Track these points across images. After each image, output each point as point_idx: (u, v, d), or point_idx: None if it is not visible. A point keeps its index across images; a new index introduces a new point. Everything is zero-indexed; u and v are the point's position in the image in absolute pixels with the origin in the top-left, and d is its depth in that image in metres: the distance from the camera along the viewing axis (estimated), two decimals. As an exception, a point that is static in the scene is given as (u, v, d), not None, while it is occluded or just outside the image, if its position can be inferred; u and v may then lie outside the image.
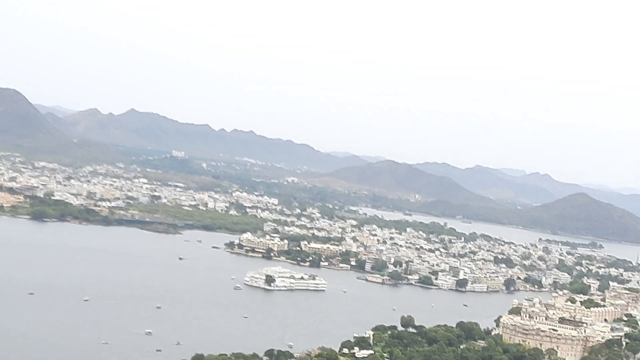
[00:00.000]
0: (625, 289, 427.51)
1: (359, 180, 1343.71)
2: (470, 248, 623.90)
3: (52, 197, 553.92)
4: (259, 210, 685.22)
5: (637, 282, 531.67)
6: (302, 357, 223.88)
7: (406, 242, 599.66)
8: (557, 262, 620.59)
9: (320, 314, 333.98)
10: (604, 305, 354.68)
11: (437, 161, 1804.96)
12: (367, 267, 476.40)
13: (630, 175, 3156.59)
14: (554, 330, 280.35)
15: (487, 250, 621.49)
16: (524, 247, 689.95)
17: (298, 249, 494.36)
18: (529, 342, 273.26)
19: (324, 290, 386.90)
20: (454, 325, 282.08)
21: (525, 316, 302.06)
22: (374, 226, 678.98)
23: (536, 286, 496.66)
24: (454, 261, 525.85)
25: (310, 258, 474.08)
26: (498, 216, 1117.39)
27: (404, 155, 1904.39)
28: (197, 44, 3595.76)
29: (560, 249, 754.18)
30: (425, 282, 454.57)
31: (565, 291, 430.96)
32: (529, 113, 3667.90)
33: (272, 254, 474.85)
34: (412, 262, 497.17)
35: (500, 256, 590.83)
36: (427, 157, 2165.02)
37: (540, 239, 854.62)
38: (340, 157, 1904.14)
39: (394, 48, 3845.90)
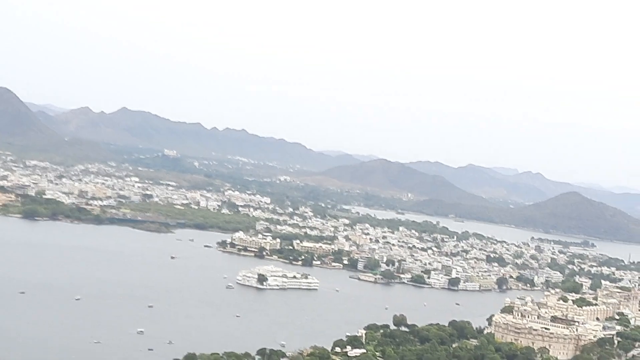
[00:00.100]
0: (617, 287, 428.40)
1: (351, 179, 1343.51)
2: (462, 247, 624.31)
3: (44, 196, 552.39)
4: (251, 209, 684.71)
5: (629, 281, 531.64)
6: (295, 356, 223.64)
7: (399, 241, 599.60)
8: (549, 260, 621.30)
9: (313, 313, 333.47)
10: (596, 304, 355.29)
11: (430, 160, 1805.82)
12: (360, 266, 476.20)
13: (622, 174, 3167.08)
14: (546, 329, 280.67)
15: (480, 249, 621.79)
16: (516, 245, 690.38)
17: (290, 247, 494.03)
18: (521, 341, 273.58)
19: (316, 289, 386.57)
20: (446, 324, 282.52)
21: (518, 315, 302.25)
22: (367, 225, 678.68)
23: (528, 285, 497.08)
24: (447, 260, 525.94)
25: (303, 257, 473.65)
26: (490, 215, 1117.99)
27: (396, 154, 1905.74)
28: (197, 44, 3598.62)
29: (553, 248, 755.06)
30: (418, 280, 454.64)
31: (558, 290, 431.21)
32: (525, 113, 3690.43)
33: (264, 253, 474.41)
34: (404, 261, 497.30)
35: (492, 255, 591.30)
36: (419, 156, 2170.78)
37: (533, 237, 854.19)
38: (333, 155, 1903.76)
39: (394, 48, 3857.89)
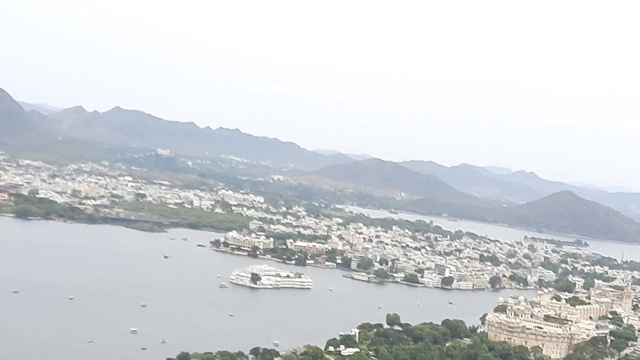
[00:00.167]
0: (610, 286, 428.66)
1: (345, 178, 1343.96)
2: (455, 246, 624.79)
3: (37, 195, 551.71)
4: (245, 209, 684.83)
5: (622, 280, 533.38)
6: (288, 355, 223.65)
7: (392, 240, 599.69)
8: (542, 260, 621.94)
9: (306, 312, 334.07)
10: (589, 303, 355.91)
11: (423, 159, 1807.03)
12: (353, 265, 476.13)
13: (615, 173, 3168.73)
14: (539, 327, 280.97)
15: (473, 248, 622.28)
16: (509, 245, 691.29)
17: (284, 247, 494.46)
18: (514, 340, 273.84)
19: (309, 288, 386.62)
20: (440, 323, 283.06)
21: (511, 314, 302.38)
22: (360, 224, 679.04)
23: (521, 284, 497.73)
24: (440, 259, 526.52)
25: (296, 256, 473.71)
26: (484, 214, 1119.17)
27: (390, 153, 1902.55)
28: (197, 43, 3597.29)
29: (546, 247, 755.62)
30: (411, 280, 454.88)
31: (551, 289, 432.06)
32: (523, 112, 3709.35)
33: (257, 252, 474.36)
34: (397, 260, 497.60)
35: (485, 254, 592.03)
36: (413, 155, 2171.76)
37: (526, 237, 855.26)
38: (326, 155, 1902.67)
39: (393, 48, 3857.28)
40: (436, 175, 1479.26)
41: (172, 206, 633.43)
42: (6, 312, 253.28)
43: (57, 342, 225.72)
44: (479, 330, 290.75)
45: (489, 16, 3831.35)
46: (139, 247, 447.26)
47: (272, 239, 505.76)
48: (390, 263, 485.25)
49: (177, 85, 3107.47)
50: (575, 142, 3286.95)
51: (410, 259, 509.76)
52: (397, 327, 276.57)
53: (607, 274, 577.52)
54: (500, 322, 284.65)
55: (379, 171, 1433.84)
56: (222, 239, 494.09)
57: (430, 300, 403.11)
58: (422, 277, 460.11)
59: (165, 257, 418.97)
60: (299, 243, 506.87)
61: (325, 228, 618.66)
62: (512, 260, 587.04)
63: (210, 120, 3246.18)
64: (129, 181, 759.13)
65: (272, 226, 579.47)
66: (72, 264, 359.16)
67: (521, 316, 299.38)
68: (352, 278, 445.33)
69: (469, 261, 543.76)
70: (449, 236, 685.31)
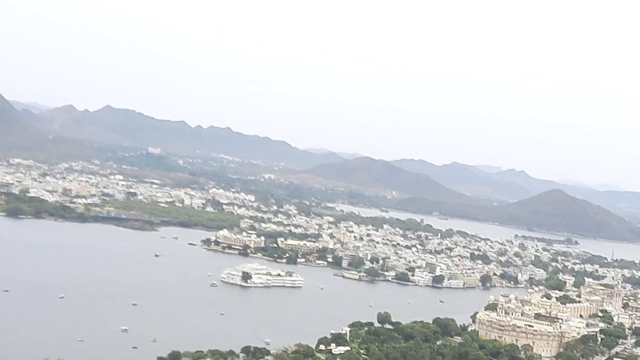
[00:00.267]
0: (600, 285, 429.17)
1: (335, 176, 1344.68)
2: (446, 244, 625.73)
3: (28, 194, 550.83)
4: (236, 207, 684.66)
5: (612, 278, 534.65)
6: (279, 353, 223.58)
7: (383, 239, 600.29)
8: (532, 258, 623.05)
9: (297, 311, 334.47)
10: (579, 301, 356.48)
11: (414, 158, 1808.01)
12: (344, 263, 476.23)
13: (605, 171, 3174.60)
14: (529, 326, 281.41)
15: (464, 247, 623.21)
16: (500, 243, 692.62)
17: (275, 245, 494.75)
18: (505, 338, 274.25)
19: (300, 286, 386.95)
20: (431, 322, 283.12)
21: (501, 312, 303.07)
22: (351, 223, 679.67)
23: (512, 282, 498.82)
24: (431, 257, 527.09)
25: (287, 255, 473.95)
26: (474, 213, 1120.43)
27: (380, 152, 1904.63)
28: (197, 43, 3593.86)
29: (536, 245, 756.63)
30: (402, 278, 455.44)
31: (541, 287, 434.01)
32: (520, 112, 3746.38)
33: (248, 251, 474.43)
34: (388, 258, 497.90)
35: (476, 252, 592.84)
36: (404, 154, 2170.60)
37: (516, 235, 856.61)
38: (317, 153, 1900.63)
39: (393, 48, 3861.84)
40: (427, 174, 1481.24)
41: (163, 205, 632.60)
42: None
43: (48, 341, 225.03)
44: (469, 329, 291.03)
45: (489, 16, 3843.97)
46: (130, 245, 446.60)
47: (263, 238, 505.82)
48: (381, 261, 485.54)
49: (168, 83, 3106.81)
50: (566, 141, 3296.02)
51: (401, 258, 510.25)
52: (388, 326, 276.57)
53: (597, 272, 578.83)
54: (491, 321, 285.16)
55: (370, 170, 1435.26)
56: (213, 238, 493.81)
57: (421, 299, 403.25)
58: (413, 275, 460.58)
59: (156, 255, 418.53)
60: (290, 242, 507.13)
61: (316, 227, 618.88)
62: (502, 259, 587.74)
63: (201, 119, 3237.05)
64: (120, 180, 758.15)
65: (263, 225, 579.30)
66: (62, 263, 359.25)
67: (512, 314, 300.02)
68: (343, 276, 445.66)
69: (459, 259, 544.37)
70: (439, 235, 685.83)
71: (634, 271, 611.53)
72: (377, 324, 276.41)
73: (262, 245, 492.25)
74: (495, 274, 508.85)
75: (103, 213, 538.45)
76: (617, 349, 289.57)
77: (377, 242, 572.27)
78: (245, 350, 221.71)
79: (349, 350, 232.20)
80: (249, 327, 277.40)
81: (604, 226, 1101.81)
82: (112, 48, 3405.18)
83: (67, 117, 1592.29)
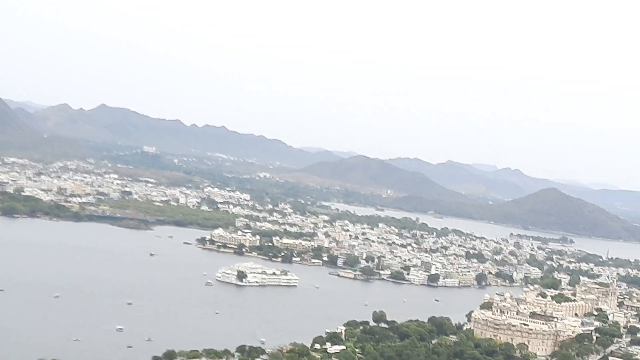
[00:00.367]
0: (595, 283, 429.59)
1: (331, 175, 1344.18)
2: (442, 243, 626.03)
3: (22, 193, 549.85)
4: (231, 206, 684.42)
5: (607, 277, 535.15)
6: (274, 352, 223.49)
7: (378, 238, 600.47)
8: (528, 257, 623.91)
9: (292, 310, 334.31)
10: (574, 300, 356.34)
11: (409, 157, 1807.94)
12: (339, 262, 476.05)
13: (601, 170, 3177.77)
14: (525, 324, 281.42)
15: (459, 246, 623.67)
16: (495, 242, 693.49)
17: (270, 244, 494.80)
18: (500, 337, 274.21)
19: (295, 285, 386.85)
20: (426, 320, 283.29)
21: (497, 311, 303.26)
22: (346, 221, 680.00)
23: (507, 281, 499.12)
24: (426, 256, 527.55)
25: (282, 254, 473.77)
26: (470, 211, 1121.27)
27: (376, 150, 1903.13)
28: (197, 43, 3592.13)
29: (531, 244, 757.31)
30: (397, 277, 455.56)
31: (536, 286, 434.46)
32: (517, 112, 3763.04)
33: (243, 250, 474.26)
34: (384, 257, 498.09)
35: (471, 251, 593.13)
36: (399, 152, 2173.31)
37: (512, 234, 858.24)
38: (313, 152, 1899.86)
39: (392, 48, 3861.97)
40: (422, 173, 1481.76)
41: (158, 204, 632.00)
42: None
43: (43, 340, 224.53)
44: (464, 328, 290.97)
45: (489, 16, 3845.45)
46: (125, 244, 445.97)
47: (258, 237, 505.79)
48: (376, 260, 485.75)
49: (163, 82, 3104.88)
50: (561, 140, 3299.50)
51: (396, 256, 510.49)
52: (383, 325, 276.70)
53: (592, 271, 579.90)
54: (486, 319, 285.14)
55: (365, 168, 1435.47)
56: (208, 237, 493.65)
57: (416, 298, 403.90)
58: (408, 274, 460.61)
59: (151, 254, 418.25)
60: (285, 240, 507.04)
61: (312, 225, 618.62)
62: (498, 258, 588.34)
63: (196, 117, 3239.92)
64: (115, 179, 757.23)
65: (258, 224, 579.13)
66: (57, 262, 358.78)
67: (507, 313, 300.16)
68: (338, 275, 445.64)
69: (455, 258, 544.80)
70: (435, 233, 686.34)
71: (629, 270, 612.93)
72: (372, 323, 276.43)
73: (257, 244, 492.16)
74: (490, 273, 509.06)
75: (98, 212, 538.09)
76: (612, 347, 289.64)
77: (373, 241, 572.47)
78: (241, 349, 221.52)
79: (344, 349, 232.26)
80: (244, 326, 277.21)
81: (599, 225, 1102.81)
82: (108, 47, 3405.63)
83: (62, 116, 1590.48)
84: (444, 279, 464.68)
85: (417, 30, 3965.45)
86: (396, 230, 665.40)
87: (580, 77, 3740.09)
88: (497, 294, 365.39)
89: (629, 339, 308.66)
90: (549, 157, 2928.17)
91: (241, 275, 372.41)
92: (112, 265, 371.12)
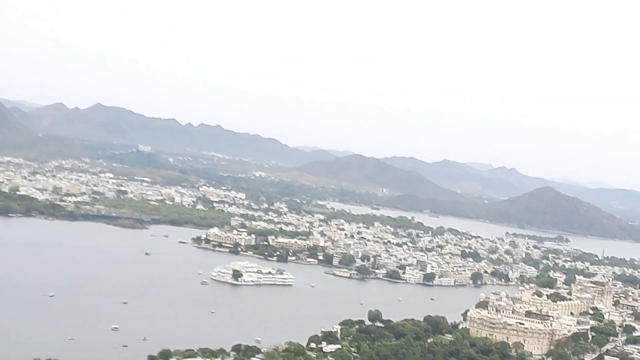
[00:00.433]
0: (591, 282, 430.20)
1: (326, 174, 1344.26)
2: (437, 242, 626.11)
3: (18, 192, 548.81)
4: (226, 205, 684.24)
5: (603, 276, 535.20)
6: (270, 351, 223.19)
7: (374, 237, 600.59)
8: (523, 255, 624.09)
9: (288, 309, 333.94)
10: (570, 299, 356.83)
11: (405, 155, 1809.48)
12: (335, 261, 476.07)
13: (596, 169, 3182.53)
14: (520, 323, 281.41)
15: (455, 244, 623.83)
16: (490, 241, 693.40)
17: (265, 243, 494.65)
18: (495, 336, 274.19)
19: (291, 284, 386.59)
20: (421, 319, 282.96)
21: (492, 310, 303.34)
22: (342, 220, 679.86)
23: (503, 280, 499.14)
24: (422, 255, 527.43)
25: (278, 253, 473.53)
26: (465, 210, 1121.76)
27: (371, 149, 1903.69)
28: (196, 43, 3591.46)
29: (527, 243, 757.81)
30: (393, 276, 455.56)
31: (532, 285, 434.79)
32: (519, 113, 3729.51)
33: (239, 249, 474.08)
34: (379, 256, 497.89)
35: (467, 250, 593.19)
36: (394, 151, 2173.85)
37: (507, 232, 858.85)
38: (308, 151, 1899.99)
39: (391, 48, 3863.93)
40: (418, 172, 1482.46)
41: (153, 203, 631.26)
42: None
43: (38, 339, 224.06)
44: (460, 327, 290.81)
45: (485, 18, 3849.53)
46: (120, 244, 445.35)
47: (253, 236, 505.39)
48: (372, 259, 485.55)
49: (158, 81, 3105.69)
50: (556, 140, 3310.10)
51: (392, 255, 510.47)
52: (378, 324, 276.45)
53: (588, 269, 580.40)
54: (482, 318, 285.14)
55: (361, 167, 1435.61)
56: (204, 236, 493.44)
57: (411, 297, 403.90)
58: (403, 273, 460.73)
59: (147, 254, 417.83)
60: (280, 239, 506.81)
61: (307, 224, 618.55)
62: (493, 256, 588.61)
63: (192, 116, 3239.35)
64: (110, 178, 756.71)
65: (253, 223, 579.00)
66: (53, 261, 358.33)
67: (503, 312, 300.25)
68: (334, 274, 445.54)
69: (450, 257, 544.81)
70: (430, 232, 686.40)
71: (625, 268, 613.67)
72: (368, 322, 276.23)
73: (253, 243, 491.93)
74: (486, 272, 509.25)
75: (93, 211, 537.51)
76: (608, 346, 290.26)
77: (368, 240, 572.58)
78: (236, 348, 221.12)
79: (339, 349, 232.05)
80: (239, 326, 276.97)
81: (594, 224, 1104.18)
82: (103, 46, 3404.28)
83: (57, 115, 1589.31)
84: (439, 278, 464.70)
85: (415, 30, 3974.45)
86: (392, 229, 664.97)
87: (576, 77, 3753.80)
88: (492, 293, 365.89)
89: (624, 337, 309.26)
90: (544, 156, 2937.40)
91: (237, 275, 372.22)
92: (108, 264, 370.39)
